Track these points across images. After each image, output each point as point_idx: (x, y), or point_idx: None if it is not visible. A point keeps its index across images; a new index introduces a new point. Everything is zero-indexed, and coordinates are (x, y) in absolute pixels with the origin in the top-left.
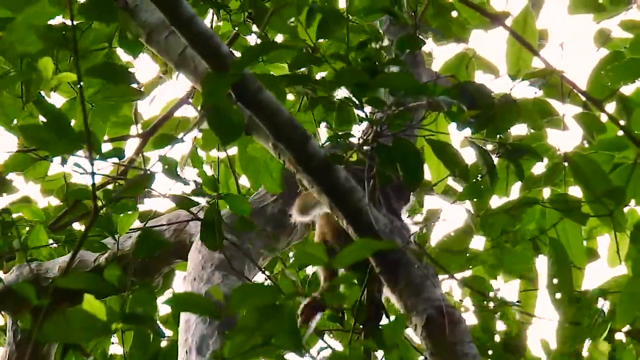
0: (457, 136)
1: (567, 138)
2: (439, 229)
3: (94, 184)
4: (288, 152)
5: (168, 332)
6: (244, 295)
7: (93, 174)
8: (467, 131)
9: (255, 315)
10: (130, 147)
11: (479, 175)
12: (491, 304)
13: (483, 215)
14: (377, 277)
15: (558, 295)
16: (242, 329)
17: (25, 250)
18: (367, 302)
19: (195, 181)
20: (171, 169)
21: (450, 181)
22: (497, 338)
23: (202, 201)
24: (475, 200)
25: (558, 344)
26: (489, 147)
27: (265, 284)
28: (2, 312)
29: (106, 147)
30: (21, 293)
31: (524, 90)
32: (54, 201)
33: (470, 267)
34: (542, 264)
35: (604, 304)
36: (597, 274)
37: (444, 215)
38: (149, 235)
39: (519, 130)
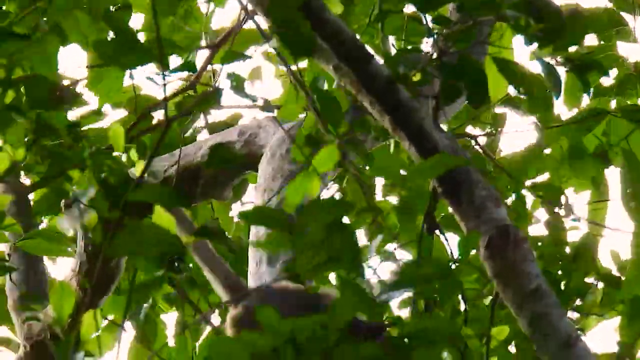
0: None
1: (637, 49)
2: (507, 140)
3: (165, 96)
4: (351, 72)
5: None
6: (315, 209)
7: (165, 85)
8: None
9: (321, 231)
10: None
11: (547, 90)
12: (562, 213)
13: (551, 127)
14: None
15: (632, 205)
16: (310, 244)
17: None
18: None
19: (263, 97)
20: (239, 85)
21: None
22: (567, 250)
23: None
24: (542, 112)
25: (633, 254)
26: (557, 60)
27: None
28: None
29: (173, 59)
30: (92, 205)
31: (593, 1)
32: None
33: (541, 174)
34: (612, 175)
35: None
36: None
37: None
38: (220, 149)
39: (588, 41)
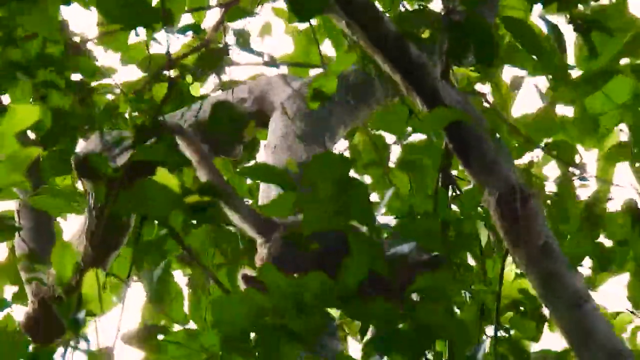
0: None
1: None
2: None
3: (169, 54)
4: (360, 30)
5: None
6: (320, 165)
7: (168, 47)
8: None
9: (330, 187)
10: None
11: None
12: (575, 171)
13: (561, 87)
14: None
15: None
16: (317, 199)
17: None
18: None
19: (269, 54)
20: (245, 42)
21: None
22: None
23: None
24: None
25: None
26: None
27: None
28: (82, 180)
29: (187, 17)
30: (96, 164)
31: None
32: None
33: (554, 135)
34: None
35: None
36: None
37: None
38: (222, 107)
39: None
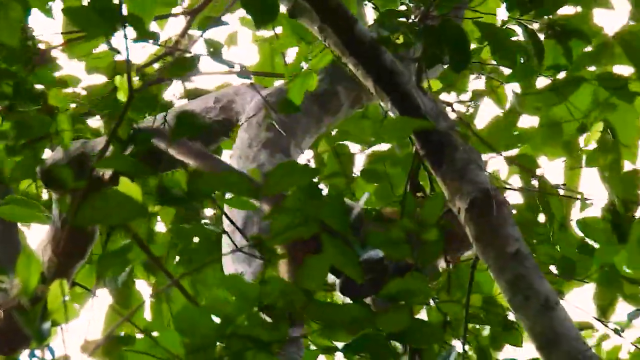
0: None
1: (612, 18)
2: (486, 110)
3: (128, 63)
4: (334, 35)
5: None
6: (283, 173)
7: (128, 55)
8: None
9: (299, 194)
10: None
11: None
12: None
13: (530, 95)
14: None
15: (606, 174)
16: (285, 208)
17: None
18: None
19: (240, 64)
20: (216, 51)
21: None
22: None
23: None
24: (523, 80)
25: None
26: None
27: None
28: (48, 190)
29: (154, 26)
30: (59, 175)
31: None
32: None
33: (518, 145)
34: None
35: None
36: None
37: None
38: (185, 117)
39: (566, 10)
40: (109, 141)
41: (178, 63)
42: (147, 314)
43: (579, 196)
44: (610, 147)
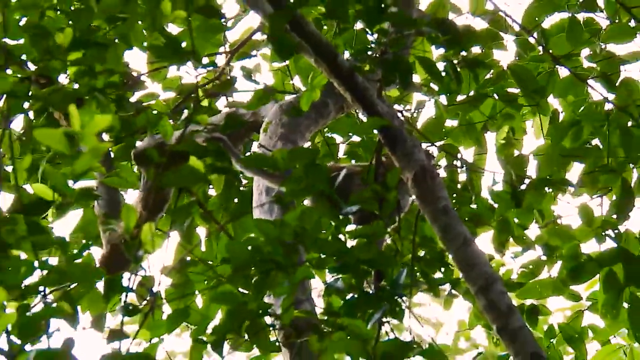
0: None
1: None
2: (424, 114)
3: (197, 83)
4: (324, 64)
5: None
6: (294, 155)
7: (196, 77)
8: (442, 51)
9: (302, 169)
10: (220, 60)
11: (449, 79)
12: (457, 163)
13: (452, 105)
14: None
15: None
16: (294, 177)
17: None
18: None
19: (264, 83)
20: (247, 74)
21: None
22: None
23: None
24: (447, 94)
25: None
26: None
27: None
28: (138, 167)
29: (205, 60)
30: (149, 154)
31: (478, 23)
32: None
33: (445, 138)
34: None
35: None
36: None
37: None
38: (232, 117)
39: (474, 50)
40: (183, 132)
41: (223, 83)
42: (203, 248)
43: (489, 173)
44: (511, 141)
